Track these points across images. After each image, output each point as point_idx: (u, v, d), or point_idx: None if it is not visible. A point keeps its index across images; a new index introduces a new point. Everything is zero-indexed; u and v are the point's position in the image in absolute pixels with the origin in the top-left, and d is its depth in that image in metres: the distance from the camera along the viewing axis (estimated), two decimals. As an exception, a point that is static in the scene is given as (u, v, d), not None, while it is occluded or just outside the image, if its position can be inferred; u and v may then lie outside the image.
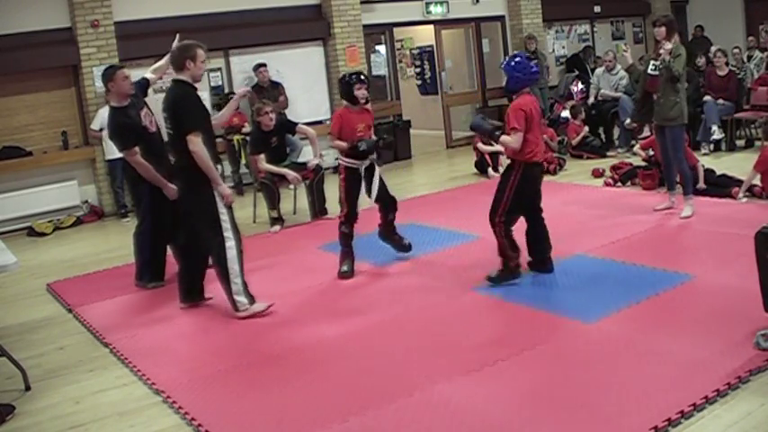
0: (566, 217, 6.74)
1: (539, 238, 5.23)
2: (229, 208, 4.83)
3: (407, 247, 6.00)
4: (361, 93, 5.55)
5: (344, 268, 5.66)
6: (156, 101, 6.17)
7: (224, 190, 4.79)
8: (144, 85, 5.95)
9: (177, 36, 5.74)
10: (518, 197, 5.01)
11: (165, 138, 5.06)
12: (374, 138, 5.78)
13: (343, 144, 5.55)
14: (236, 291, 4.84)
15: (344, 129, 5.55)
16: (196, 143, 4.64)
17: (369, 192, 5.72)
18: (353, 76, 5.61)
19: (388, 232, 5.96)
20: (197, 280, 5.26)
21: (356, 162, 5.60)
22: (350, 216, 5.66)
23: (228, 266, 4.80)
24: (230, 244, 4.80)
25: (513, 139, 4.88)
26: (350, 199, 5.62)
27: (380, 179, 5.71)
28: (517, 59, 5.00)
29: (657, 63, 6.29)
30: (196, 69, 4.83)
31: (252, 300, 4.91)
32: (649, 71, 6.39)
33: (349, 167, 5.62)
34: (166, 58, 5.71)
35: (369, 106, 5.78)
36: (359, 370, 3.96)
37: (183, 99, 4.75)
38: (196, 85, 4.86)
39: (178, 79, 4.83)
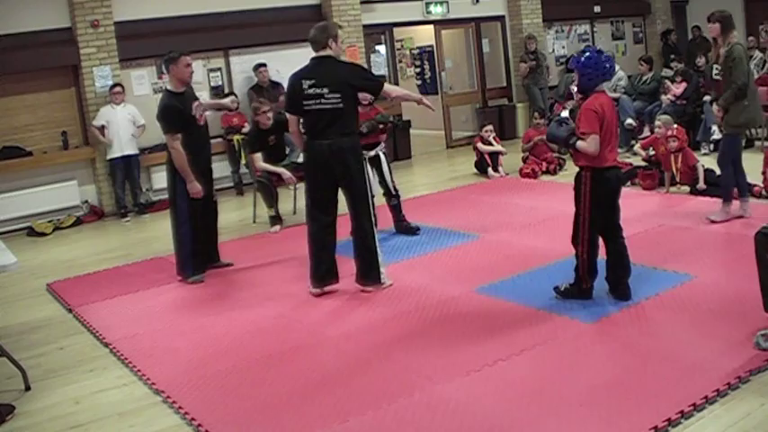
0: (566, 217, 6.71)
1: (615, 261, 4.62)
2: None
3: (416, 229, 6.56)
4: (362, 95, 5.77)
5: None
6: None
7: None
8: None
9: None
10: (597, 208, 4.47)
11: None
12: (372, 120, 6.22)
13: None
14: (381, 261, 5.23)
15: None
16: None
17: (380, 184, 6.31)
18: None
19: (397, 220, 6.55)
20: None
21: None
22: None
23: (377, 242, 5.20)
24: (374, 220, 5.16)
25: (588, 144, 4.33)
26: None
27: (383, 170, 6.28)
28: (587, 55, 4.43)
29: (719, 67, 5.91)
30: (337, 49, 5.06)
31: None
32: (714, 76, 6.08)
33: None
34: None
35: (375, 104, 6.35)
36: (359, 370, 3.96)
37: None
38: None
39: (325, 56, 5.02)
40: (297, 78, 5.01)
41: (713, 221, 6.03)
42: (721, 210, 6.10)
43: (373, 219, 5.12)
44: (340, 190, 5.07)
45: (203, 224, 5.88)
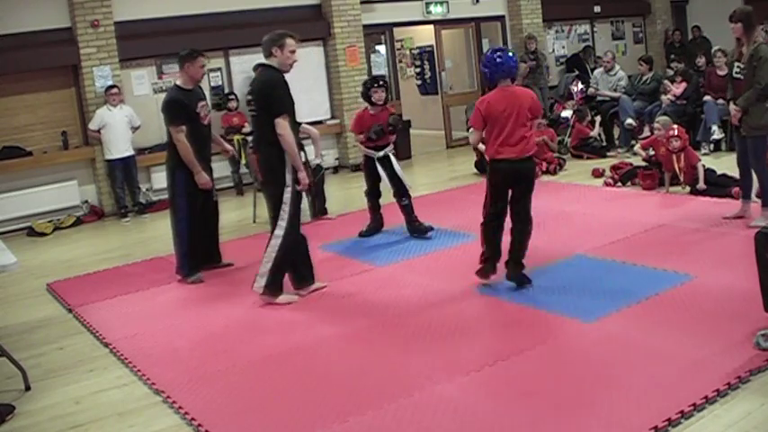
0: (566, 217, 6.74)
1: (514, 240, 4.98)
2: (295, 201, 5.02)
3: (428, 228, 6.54)
4: (377, 96, 6.37)
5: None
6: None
7: (303, 177, 4.97)
8: None
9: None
10: (493, 194, 4.96)
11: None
12: (380, 125, 6.41)
13: (360, 137, 6.51)
14: (261, 272, 5.07)
15: (361, 126, 6.49)
16: (283, 125, 4.86)
17: (390, 182, 6.45)
18: (370, 82, 6.49)
19: (409, 220, 6.57)
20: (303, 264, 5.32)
21: (370, 152, 6.48)
22: (368, 191, 6.68)
23: (268, 250, 5.05)
24: (278, 233, 5.00)
25: (469, 135, 5.23)
26: (367, 180, 6.64)
27: (394, 170, 6.45)
28: (486, 53, 4.99)
29: (742, 66, 5.75)
30: (284, 58, 5.04)
31: (274, 292, 5.10)
32: (735, 74, 5.94)
33: (366, 156, 6.56)
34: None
35: (388, 105, 6.61)
36: (359, 370, 3.96)
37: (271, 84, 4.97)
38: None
39: (266, 64, 5.05)
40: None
41: (754, 227, 5.90)
42: (761, 215, 5.87)
43: (285, 228, 4.99)
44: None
45: (204, 224, 5.89)
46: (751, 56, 5.61)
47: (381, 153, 6.46)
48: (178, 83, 5.82)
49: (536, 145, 9.05)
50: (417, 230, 6.49)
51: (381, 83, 6.44)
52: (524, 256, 4.96)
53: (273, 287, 5.09)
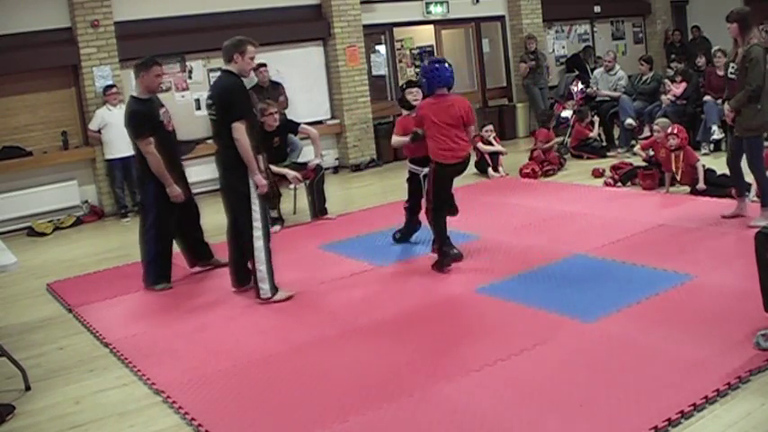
0: (566, 217, 6.75)
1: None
2: (262, 199, 5.08)
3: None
4: (411, 96, 6.14)
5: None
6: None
7: (259, 179, 5.01)
8: None
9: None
10: (439, 190, 5.49)
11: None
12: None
13: (405, 138, 5.96)
14: (260, 278, 5.10)
15: (405, 131, 5.97)
16: (240, 130, 4.93)
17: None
18: (405, 85, 6.38)
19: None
20: (243, 264, 5.41)
21: (416, 168, 6.13)
22: (410, 207, 6.32)
23: (255, 254, 5.09)
24: (258, 234, 5.06)
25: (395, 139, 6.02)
26: (411, 197, 6.27)
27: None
28: (424, 64, 5.48)
29: (736, 66, 5.80)
30: (244, 64, 5.08)
31: (274, 289, 5.15)
32: (729, 75, 5.97)
33: (411, 172, 6.26)
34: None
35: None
36: (359, 370, 3.96)
37: (231, 89, 5.05)
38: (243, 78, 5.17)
39: (226, 69, 5.12)
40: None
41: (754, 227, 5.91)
42: (761, 215, 5.86)
43: (261, 228, 5.08)
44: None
45: (187, 228, 5.88)
46: (744, 57, 5.62)
47: (426, 170, 5.90)
48: (134, 94, 5.73)
49: (542, 152, 9.18)
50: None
51: (414, 82, 6.34)
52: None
53: (274, 287, 5.14)
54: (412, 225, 6.43)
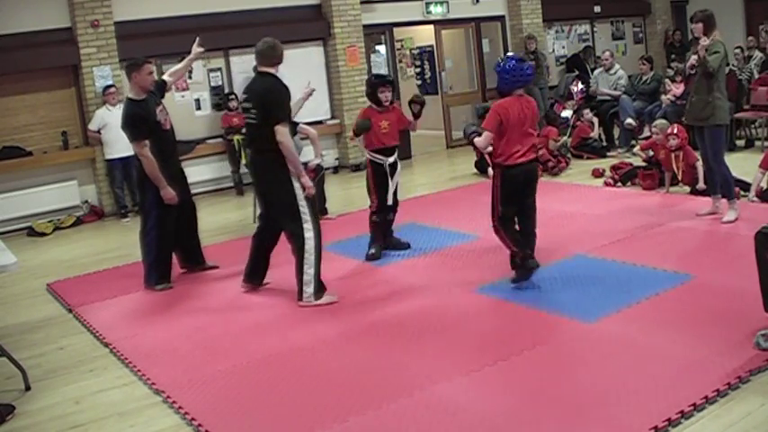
0: (566, 217, 6.74)
1: (524, 232, 5.10)
2: (308, 199, 5.01)
3: (406, 245, 6.20)
4: (384, 96, 5.92)
5: (371, 251, 6.00)
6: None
7: (306, 181, 4.95)
8: (161, 86, 5.97)
9: (197, 39, 6.14)
10: (505, 199, 4.96)
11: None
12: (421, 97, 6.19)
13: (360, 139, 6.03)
14: (305, 281, 5.01)
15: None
16: (284, 133, 4.83)
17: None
18: (378, 81, 6.03)
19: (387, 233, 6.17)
20: (262, 264, 5.43)
21: (381, 158, 5.96)
22: (380, 207, 6.02)
23: (305, 256, 4.99)
24: (309, 235, 4.98)
25: (479, 139, 4.96)
26: (379, 191, 5.99)
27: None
28: (511, 63, 4.91)
29: (695, 60, 6.01)
30: (275, 70, 5.09)
31: (319, 293, 5.05)
32: (688, 71, 6.19)
33: (374, 162, 6.00)
34: (185, 62, 6.23)
35: (395, 104, 6.20)
36: (359, 370, 3.96)
37: (273, 89, 4.95)
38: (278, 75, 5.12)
39: (264, 71, 5.05)
40: None
41: (728, 222, 6.02)
42: (730, 209, 6.06)
43: (312, 229, 5.01)
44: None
45: (183, 228, 5.87)
46: (706, 49, 5.86)
47: (392, 159, 6.01)
48: (130, 95, 5.69)
49: (548, 150, 9.18)
50: (395, 245, 6.17)
51: (388, 81, 6.06)
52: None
53: (320, 290, 5.08)
54: (388, 225, 6.12)
